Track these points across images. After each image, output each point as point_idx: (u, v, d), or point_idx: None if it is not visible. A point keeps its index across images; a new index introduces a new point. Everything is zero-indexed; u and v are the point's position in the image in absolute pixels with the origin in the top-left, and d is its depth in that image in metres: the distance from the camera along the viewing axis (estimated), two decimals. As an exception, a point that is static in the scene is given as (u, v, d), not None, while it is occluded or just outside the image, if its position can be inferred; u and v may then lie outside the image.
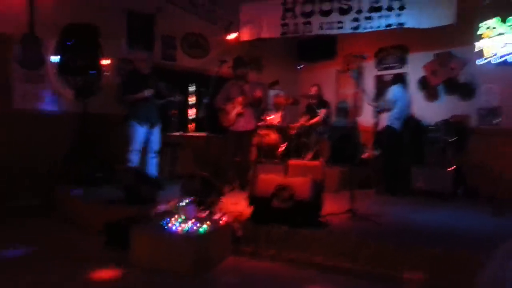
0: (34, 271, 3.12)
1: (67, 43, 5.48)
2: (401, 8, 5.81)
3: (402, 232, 3.71)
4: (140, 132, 5.18)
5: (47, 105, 5.71)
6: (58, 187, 5.31)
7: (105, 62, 6.11)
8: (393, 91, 5.92)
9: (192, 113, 7.28)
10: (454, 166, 5.69)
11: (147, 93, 5.14)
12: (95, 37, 5.61)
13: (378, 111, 6.13)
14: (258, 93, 5.70)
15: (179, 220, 3.36)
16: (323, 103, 7.03)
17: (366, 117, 7.32)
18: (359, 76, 5.95)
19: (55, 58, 5.72)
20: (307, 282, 3.08)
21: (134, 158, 5.15)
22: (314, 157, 6.41)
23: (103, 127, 5.88)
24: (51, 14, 5.63)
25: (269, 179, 3.95)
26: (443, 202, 5.28)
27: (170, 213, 3.54)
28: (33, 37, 5.50)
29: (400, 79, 6.19)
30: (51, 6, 5.66)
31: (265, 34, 6.83)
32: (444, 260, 3.06)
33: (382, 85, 7.30)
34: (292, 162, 6.03)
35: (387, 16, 5.95)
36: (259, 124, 6.50)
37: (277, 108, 7.32)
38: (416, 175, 5.89)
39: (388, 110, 5.83)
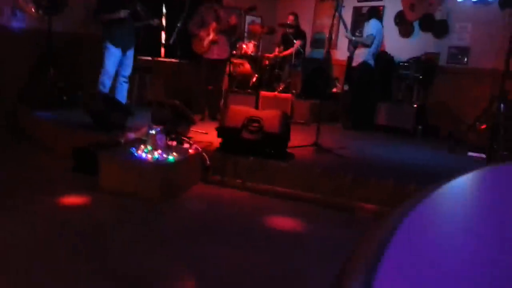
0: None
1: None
2: None
3: (361, 166, 3.95)
4: (114, 54, 5.00)
5: (9, 21, 5.38)
6: (22, 109, 5.20)
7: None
8: (372, 26, 5.83)
9: (163, 37, 7.03)
10: (418, 104, 5.89)
11: (123, 13, 4.89)
12: None
13: (354, 46, 6.08)
14: (233, 20, 5.53)
15: (149, 148, 3.44)
16: (300, 34, 6.94)
17: (340, 51, 7.30)
18: (342, 10, 5.75)
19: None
20: (270, 209, 3.31)
21: (107, 82, 5.03)
22: (286, 89, 6.47)
23: (71, 47, 5.66)
24: None
25: (239, 110, 4.02)
26: (404, 138, 5.55)
27: (140, 141, 3.60)
28: None
29: (376, 13, 6.09)
30: None
31: None
32: (395, 192, 3.33)
33: (359, 17, 7.20)
34: (264, 93, 6.08)
35: None
36: (233, 52, 6.40)
37: (252, 36, 7.17)
38: (380, 111, 6.09)
39: (366, 46, 5.79)
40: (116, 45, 4.97)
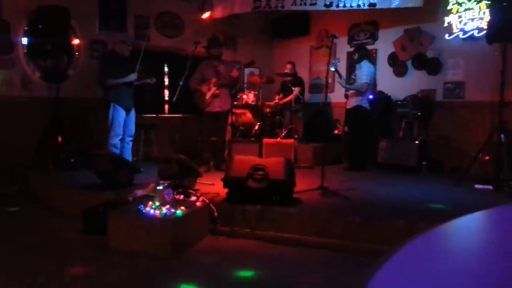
0: (14, 261, 3.20)
1: (37, 26, 5.37)
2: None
3: (369, 207, 3.94)
4: (121, 115, 5.18)
5: (18, 90, 5.64)
6: (33, 174, 5.32)
7: (77, 44, 6.05)
8: (365, 72, 5.88)
9: (166, 94, 7.27)
10: (419, 140, 5.94)
11: (134, 77, 5.13)
12: (66, 19, 5.51)
13: (348, 93, 6.18)
14: (235, 73, 5.74)
15: (157, 204, 3.48)
16: (298, 81, 7.17)
17: (339, 93, 7.47)
18: (337, 64, 5.91)
19: (25, 42, 5.62)
20: (281, 257, 3.29)
21: (118, 143, 5.18)
22: (288, 135, 6.58)
23: (78, 112, 5.87)
24: (19, -3, 5.49)
25: (243, 160, 4.09)
26: (408, 176, 5.54)
27: (147, 198, 3.65)
28: (1, 21, 5.37)
29: (366, 53, 6.15)
30: (19, -12, 5.52)
31: (237, 10, 6.85)
32: (406, 232, 3.31)
33: (353, 62, 7.43)
34: (267, 140, 6.19)
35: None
36: (234, 103, 6.60)
37: (252, 87, 7.41)
38: (382, 149, 6.13)
39: (361, 92, 5.90)
40: (122, 107, 5.17)
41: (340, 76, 5.97)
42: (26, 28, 5.58)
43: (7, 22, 5.45)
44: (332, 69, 5.75)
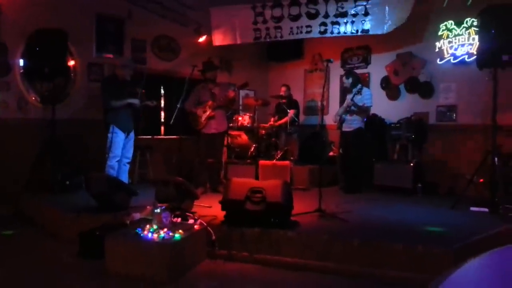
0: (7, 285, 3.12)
1: (35, 48, 5.38)
2: (366, 14, 6.09)
3: (368, 229, 3.94)
4: (120, 138, 5.20)
5: (14, 112, 5.62)
6: (27, 195, 5.26)
7: (75, 66, 6.08)
8: (367, 94, 5.94)
9: (162, 116, 7.29)
10: (414, 162, 5.99)
11: (133, 101, 5.18)
12: (64, 42, 5.54)
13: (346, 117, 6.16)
14: (231, 93, 5.81)
15: (154, 227, 3.44)
16: (293, 103, 7.25)
17: (333, 115, 7.57)
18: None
19: (22, 64, 5.64)
20: (282, 283, 3.25)
21: (116, 165, 5.18)
22: (284, 157, 6.61)
23: (74, 133, 5.85)
24: (18, 20, 5.54)
25: (241, 182, 4.08)
26: (404, 198, 5.57)
27: (145, 221, 3.61)
28: (-2, 43, 5.42)
29: (358, 78, 6.22)
30: (18, 12, 5.57)
31: (239, 40, 6.97)
32: (404, 255, 3.31)
33: (345, 85, 7.54)
34: (263, 162, 6.21)
35: (353, 22, 6.21)
36: (230, 125, 6.63)
37: (247, 109, 7.47)
38: (378, 171, 6.17)
39: (362, 115, 5.96)
40: (122, 129, 5.19)
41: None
42: (23, 50, 5.60)
43: (5, 45, 5.49)
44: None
